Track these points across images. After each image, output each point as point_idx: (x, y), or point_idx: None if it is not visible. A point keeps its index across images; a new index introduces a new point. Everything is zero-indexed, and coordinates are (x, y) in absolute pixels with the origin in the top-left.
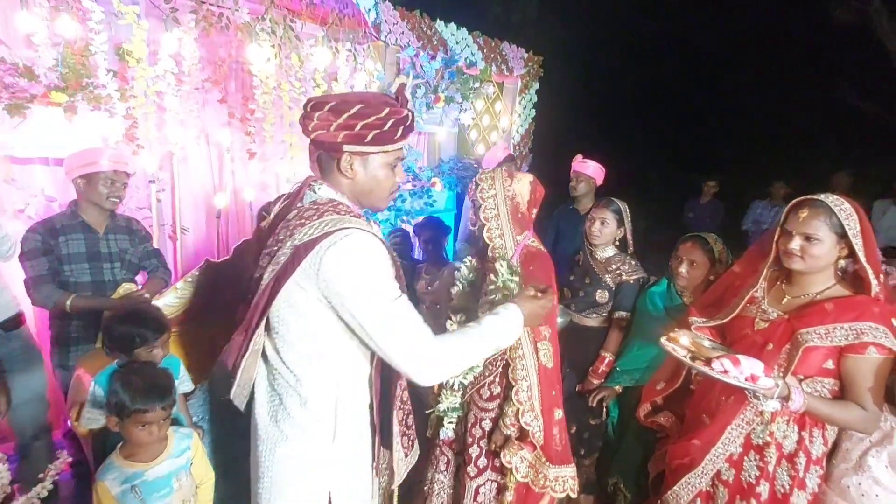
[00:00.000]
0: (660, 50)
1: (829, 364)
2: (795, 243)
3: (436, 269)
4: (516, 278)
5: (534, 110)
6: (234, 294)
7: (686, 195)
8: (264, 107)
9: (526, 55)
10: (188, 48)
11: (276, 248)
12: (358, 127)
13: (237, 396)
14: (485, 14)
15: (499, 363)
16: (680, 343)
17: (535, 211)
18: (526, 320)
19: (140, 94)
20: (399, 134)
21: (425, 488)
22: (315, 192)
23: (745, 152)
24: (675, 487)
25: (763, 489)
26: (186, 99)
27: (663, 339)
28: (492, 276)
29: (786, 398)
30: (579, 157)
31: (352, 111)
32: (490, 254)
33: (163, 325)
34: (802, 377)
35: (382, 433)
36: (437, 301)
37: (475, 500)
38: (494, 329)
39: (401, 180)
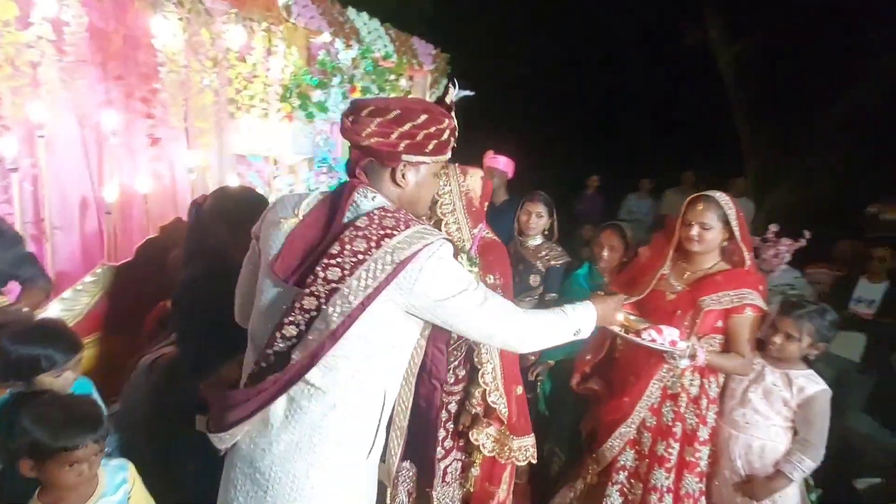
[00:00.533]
0: (548, 58)
1: (719, 323)
2: (695, 231)
3: None
4: (475, 269)
5: None
6: (140, 300)
7: (574, 189)
8: (171, 87)
9: (434, 51)
10: (72, 13)
11: (354, 259)
12: (420, 136)
13: (226, 441)
14: (395, 7)
15: (462, 348)
16: (616, 320)
17: (485, 206)
18: (599, 319)
19: (5, 63)
20: (451, 144)
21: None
22: (371, 200)
23: (617, 152)
24: (609, 440)
25: (677, 429)
26: (71, 73)
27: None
28: None
29: (693, 356)
30: (490, 153)
31: (417, 121)
32: None
33: (75, 344)
34: (701, 335)
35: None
36: None
37: (444, 480)
38: (576, 317)
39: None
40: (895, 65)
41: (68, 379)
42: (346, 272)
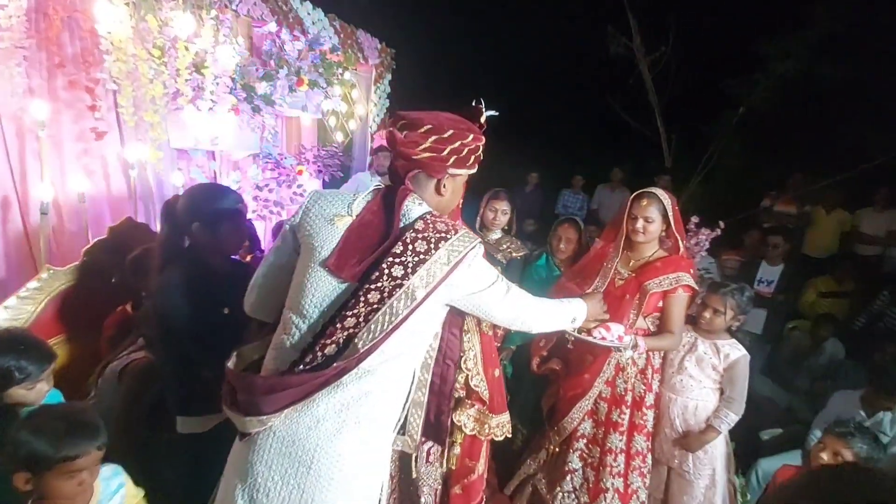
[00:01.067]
0: (486, 64)
1: (660, 304)
2: (640, 224)
3: None
4: None
5: (388, 101)
6: (93, 305)
7: (515, 185)
8: (120, 79)
9: (380, 45)
10: None
11: (417, 258)
12: (465, 152)
13: (261, 424)
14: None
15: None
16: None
17: (461, 202)
18: (588, 313)
19: None
20: (482, 157)
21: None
22: (419, 206)
23: (552, 151)
24: (570, 413)
25: (628, 397)
26: (6, 59)
27: None
28: None
29: (635, 346)
30: None
31: (466, 140)
32: None
33: (48, 353)
34: (647, 315)
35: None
36: None
37: (427, 461)
38: (571, 308)
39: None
40: (782, 74)
41: (41, 391)
42: (409, 270)
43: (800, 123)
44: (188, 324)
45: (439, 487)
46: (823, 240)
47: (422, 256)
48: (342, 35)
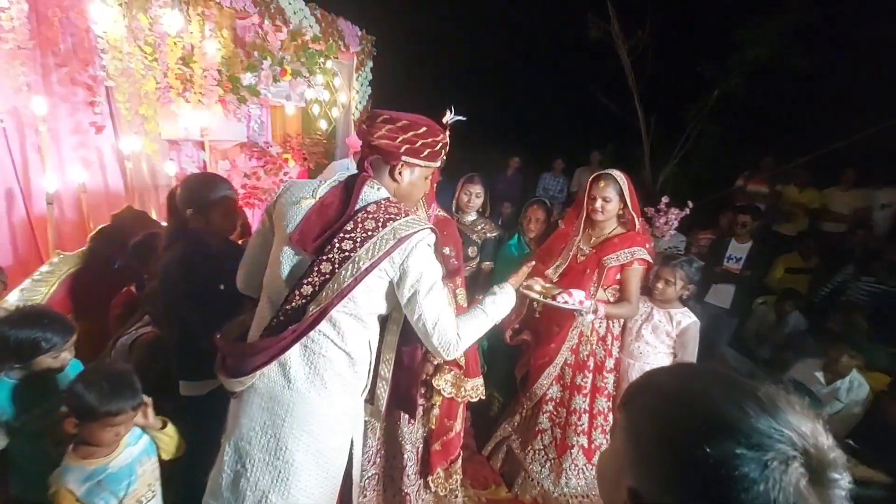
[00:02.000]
0: (469, 50)
1: (618, 276)
2: (598, 203)
3: None
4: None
5: (370, 88)
6: (97, 290)
7: (495, 169)
8: (116, 76)
9: (360, 33)
10: None
11: (364, 234)
12: (418, 144)
13: (244, 384)
14: None
15: None
16: (534, 289)
17: (434, 185)
18: (518, 296)
19: None
20: (441, 154)
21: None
22: (377, 190)
23: (533, 135)
24: (539, 380)
25: (590, 362)
26: (11, 59)
27: (522, 289)
28: None
29: (595, 311)
30: None
31: (418, 131)
32: None
33: (70, 326)
34: (606, 287)
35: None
36: None
37: (409, 422)
38: (497, 307)
39: (427, 190)
40: (754, 59)
41: (65, 360)
42: (357, 244)
43: (773, 107)
44: (188, 298)
45: (421, 446)
46: (795, 218)
47: (369, 233)
48: (323, 24)
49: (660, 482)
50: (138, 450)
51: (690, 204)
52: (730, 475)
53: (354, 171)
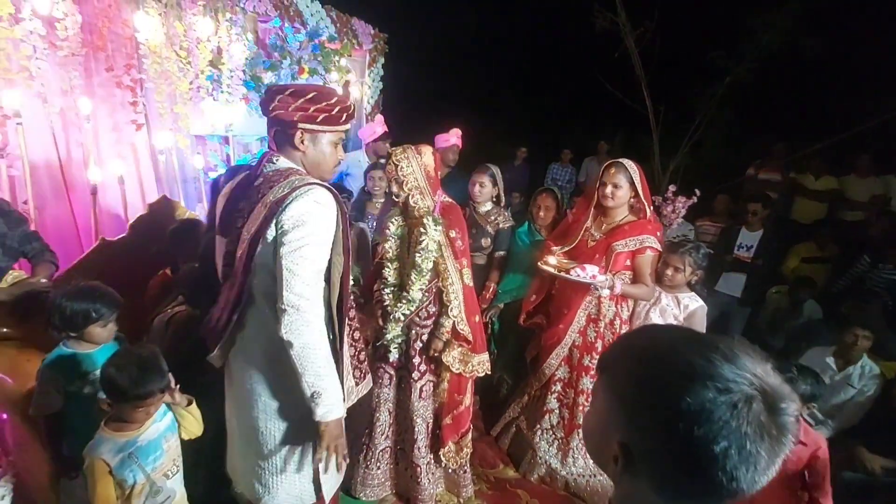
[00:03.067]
0: (477, 42)
1: (628, 262)
2: (609, 190)
3: None
4: (439, 227)
5: (381, 83)
6: (136, 273)
7: (504, 160)
8: (156, 78)
9: (373, 31)
10: (65, 9)
11: (248, 209)
12: (311, 109)
13: (217, 358)
14: None
15: (433, 289)
16: (550, 263)
17: (439, 173)
18: (328, 429)
19: (2, 56)
20: (343, 119)
21: (372, 404)
22: (274, 163)
23: (541, 125)
24: (548, 360)
25: (598, 344)
26: (65, 66)
27: (539, 263)
28: (421, 230)
29: (611, 287)
30: (441, 136)
31: (308, 96)
32: (416, 214)
33: (116, 300)
34: (614, 272)
35: (338, 365)
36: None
37: (420, 397)
38: (324, 400)
39: (342, 157)
40: (768, 46)
41: (111, 330)
42: (244, 220)
43: (785, 93)
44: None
45: (431, 420)
46: (811, 206)
47: (252, 207)
48: (338, 24)
49: (648, 433)
50: (164, 426)
51: (698, 192)
52: (709, 418)
53: (367, 163)
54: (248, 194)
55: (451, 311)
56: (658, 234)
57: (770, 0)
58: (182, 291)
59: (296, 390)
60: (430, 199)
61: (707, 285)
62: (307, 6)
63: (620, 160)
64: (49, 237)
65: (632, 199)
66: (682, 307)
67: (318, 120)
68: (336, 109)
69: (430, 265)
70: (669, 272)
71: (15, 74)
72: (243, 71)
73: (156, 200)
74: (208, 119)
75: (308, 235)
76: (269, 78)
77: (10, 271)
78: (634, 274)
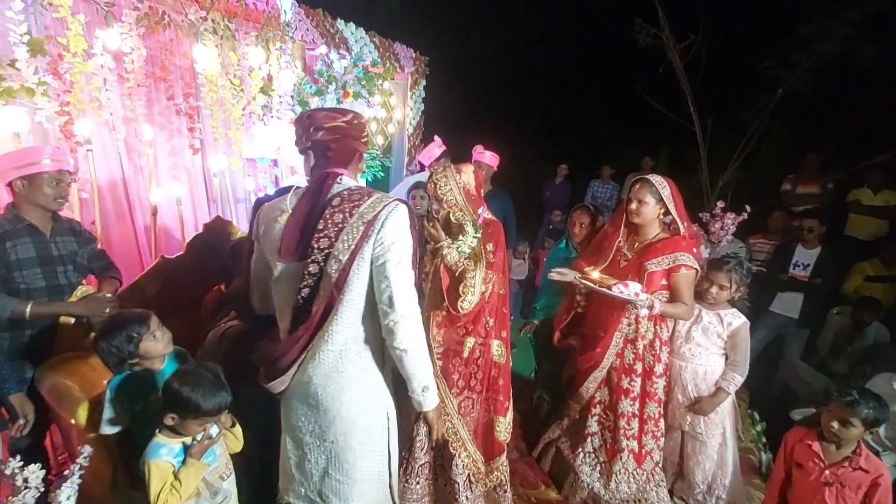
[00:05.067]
0: (520, 58)
1: (663, 281)
2: (633, 205)
3: None
4: (479, 234)
5: (423, 104)
6: (193, 288)
7: (542, 177)
8: (212, 105)
9: (414, 54)
10: (131, 44)
11: (335, 228)
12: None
13: (283, 384)
14: (374, 12)
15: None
16: (591, 278)
17: (481, 192)
18: (438, 414)
19: (76, 89)
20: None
21: (412, 418)
22: (341, 183)
23: (583, 142)
24: (585, 384)
25: (638, 367)
26: (130, 96)
27: (578, 277)
28: (461, 236)
29: (651, 306)
30: (479, 147)
31: (363, 121)
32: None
33: (144, 313)
34: (652, 292)
35: None
36: None
37: (458, 413)
38: (430, 383)
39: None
40: (822, 54)
41: (165, 339)
42: (332, 239)
43: (842, 104)
44: None
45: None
46: (869, 222)
47: (339, 225)
48: (381, 49)
49: None
50: (214, 431)
51: (748, 208)
52: None
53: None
54: (325, 215)
55: (464, 299)
56: (694, 250)
57: (824, 7)
58: (235, 306)
59: (376, 401)
60: (470, 215)
61: (761, 305)
62: (352, 33)
63: (647, 175)
64: (113, 254)
65: (664, 216)
66: (726, 324)
67: (363, 139)
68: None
69: (454, 260)
70: (714, 290)
71: (87, 105)
72: (291, 96)
73: (211, 220)
74: (258, 142)
75: (406, 249)
76: (315, 102)
77: (80, 286)
78: (671, 292)
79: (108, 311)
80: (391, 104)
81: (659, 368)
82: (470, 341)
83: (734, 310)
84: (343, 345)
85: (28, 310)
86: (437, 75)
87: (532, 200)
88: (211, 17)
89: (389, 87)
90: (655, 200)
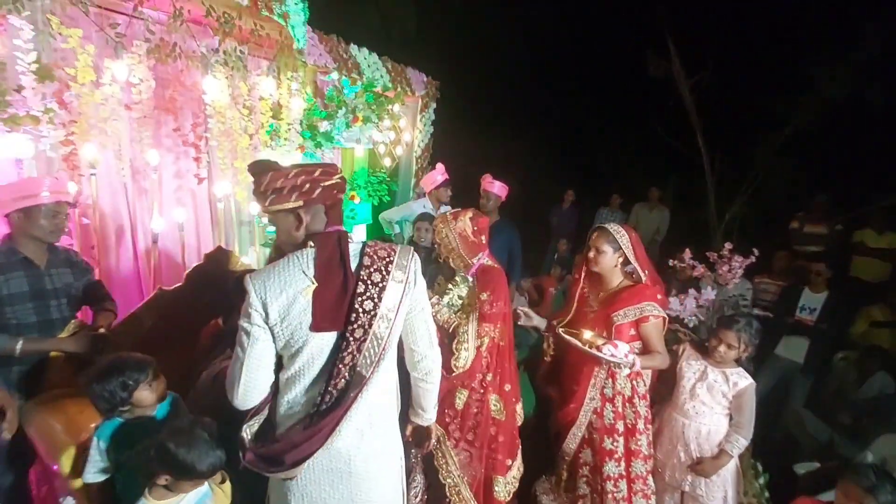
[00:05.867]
0: (528, 83)
1: (632, 332)
2: (591, 253)
3: None
4: (466, 286)
5: (432, 127)
6: (190, 321)
7: (551, 201)
8: (219, 136)
9: (426, 79)
10: (140, 75)
11: (378, 288)
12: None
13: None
14: (389, 34)
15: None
16: (583, 339)
17: (483, 237)
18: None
19: (83, 119)
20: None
21: (409, 463)
22: (353, 240)
23: (591, 170)
24: (567, 440)
25: (619, 425)
26: (139, 126)
27: (564, 334)
28: (450, 285)
29: (632, 364)
30: (488, 176)
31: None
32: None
33: (144, 361)
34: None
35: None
36: None
37: (456, 465)
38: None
39: None
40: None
41: (159, 389)
42: (376, 300)
43: (848, 145)
44: None
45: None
46: (872, 264)
47: (381, 284)
48: (393, 74)
49: None
50: (203, 491)
51: (756, 252)
52: None
53: (430, 209)
54: (361, 276)
55: (457, 357)
56: (659, 297)
57: (830, 49)
58: (230, 344)
59: (399, 446)
60: (468, 261)
61: (766, 349)
62: (364, 58)
63: (604, 225)
64: (112, 279)
65: (625, 265)
66: (731, 384)
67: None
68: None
69: (445, 318)
70: (722, 349)
71: (93, 137)
72: (300, 122)
73: (211, 251)
74: None
75: (426, 297)
76: (324, 127)
77: (72, 321)
78: (643, 343)
79: (100, 347)
80: (400, 126)
81: (641, 424)
82: (463, 393)
83: (740, 369)
84: (377, 398)
85: (18, 347)
86: (447, 98)
87: (540, 225)
88: (223, 48)
89: (399, 111)
90: (613, 249)
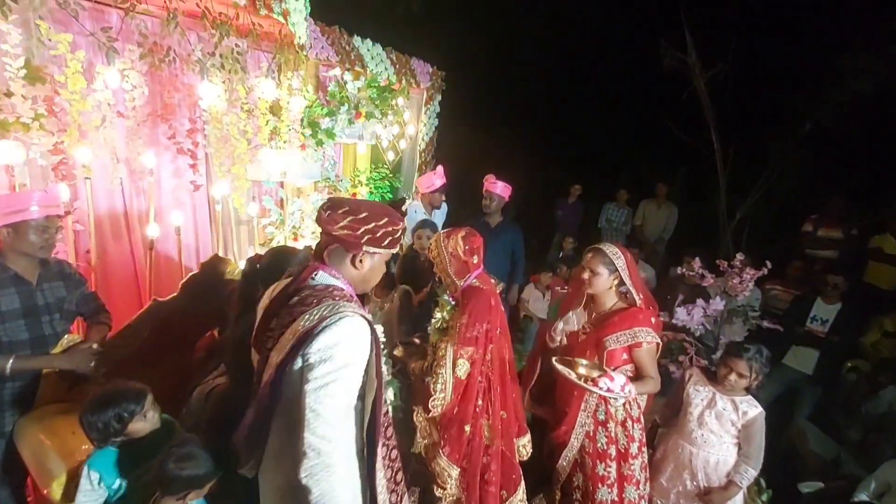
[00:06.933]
0: (537, 75)
1: (625, 356)
2: (586, 274)
3: None
4: (448, 309)
5: (437, 119)
6: (185, 332)
7: (555, 195)
8: (216, 143)
9: (431, 69)
10: (133, 81)
11: (279, 332)
12: (379, 234)
13: (247, 470)
14: (393, 27)
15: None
16: (579, 372)
17: (475, 258)
18: None
19: (73, 128)
20: (402, 240)
21: None
22: (314, 280)
23: (599, 163)
24: (559, 461)
25: (612, 450)
26: (132, 135)
27: (558, 365)
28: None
29: (629, 393)
30: (491, 177)
31: (380, 222)
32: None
33: (140, 391)
34: (613, 368)
35: (372, 492)
36: None
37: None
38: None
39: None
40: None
41: (153, 418)
42: (274, 342)
43: (871, 144)
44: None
45: None
46: (891, 270)
47: (282, 330)
48: (397, 65)
49: None
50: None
51: (769, 264)
52: None
53: (423, 215)
54: (281, 313)
55: (433, 401)
56: (652, 320)
57: (862, 41)
58: (224, 359)
59: None
60: (456, 281)
61: (773, 358)
62: (368, 50)
63: (600, 246)
64: (108, 284)
65: (620, 286)
66: (741, 413)
67: (385, 244)
68: (399, 233)
69: (433, 341)
70: (733, 378)
71: (85, 144)
72: (301, 121)
73: (207, 260)
74: (265, 166)
75: (335, 370)
76: (325, 123)
77: (66, 335)
78: (636, 368)
79: (93, 363)
80: (404, 119)
81: (634, 448)
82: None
83: (750, 397)
84: (287, 467)
85: (9, 366)
86: (452, 89)
87: (545, 219)
88: (219, 51)
89: (402, 104)
90: (609, 271)
